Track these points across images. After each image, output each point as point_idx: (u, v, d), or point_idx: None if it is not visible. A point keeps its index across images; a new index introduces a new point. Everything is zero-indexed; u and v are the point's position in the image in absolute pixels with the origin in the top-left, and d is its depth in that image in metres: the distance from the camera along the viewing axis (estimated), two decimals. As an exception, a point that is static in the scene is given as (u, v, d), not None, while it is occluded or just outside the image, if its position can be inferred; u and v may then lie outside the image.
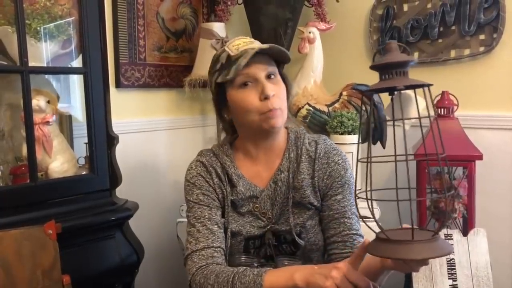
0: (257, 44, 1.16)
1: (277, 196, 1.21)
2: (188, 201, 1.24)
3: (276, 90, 1.15)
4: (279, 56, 1.18)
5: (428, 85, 0.81)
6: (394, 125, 0.85)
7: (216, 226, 1.19)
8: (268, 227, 1.22)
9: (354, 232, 1.20)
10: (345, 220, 1.20)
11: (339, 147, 1.27)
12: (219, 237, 1.18)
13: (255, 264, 1.21)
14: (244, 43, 1.16)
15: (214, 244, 1.16)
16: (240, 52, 1.13)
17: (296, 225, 1.20)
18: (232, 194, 1.22)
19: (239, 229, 1.21)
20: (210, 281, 1.08)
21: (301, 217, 1.21)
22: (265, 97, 1.13)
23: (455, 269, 1.61)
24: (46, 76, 1.73)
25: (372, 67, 0.85)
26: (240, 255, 1.22)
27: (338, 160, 1.23)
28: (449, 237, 1.65)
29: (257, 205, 1.22)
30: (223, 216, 1.23)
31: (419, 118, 0.85)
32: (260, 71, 1.14)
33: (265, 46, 1.14)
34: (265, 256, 1.24)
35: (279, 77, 1.19)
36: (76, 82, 1.82)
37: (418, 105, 0.82)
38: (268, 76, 1.16)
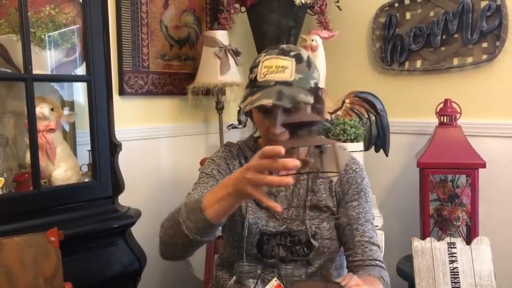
0: (287, 74, 1.13)
1: (294, 197, 1.23)
2: (201, 173, 1.27)
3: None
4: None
5: (334, 143, 0.93)
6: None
7: None
8: (283, 227, 1.22)
9: (366, 240, 1.20)
10: (358, 226, 1.21)
11: (357, 159, 1.30)
12: None
13: (258, 272, 1.20)
14: (276, 69, 1.14)
15: None
16: (264, 81, 1.14)
17: (312, 226, 1.21)
18: None
19: (256, 221, 1.22)
20: (166, 217, 1.13)
21: (316, 219, 1.22)
22: (270, 132, 1.18)
23: (458, 277, 1.60)
24: (50, 83, 1.74)
25: (284, 125, 0.97)
26: (243, 263, 1.22)
27: (356, 168, 1.26)
28: (452, 246, 1.64)
29: None
30: (239, 207, 1.23)
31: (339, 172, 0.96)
32: (276, 107, 1.12)
33: (283, 101, 1.09)
34: (271, 258, 1.23)
35: (302, 105, 1.14)
36: (80, 89, 1.82)
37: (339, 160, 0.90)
38: (285, 108, 1.14)
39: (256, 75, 1.17)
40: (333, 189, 1.24)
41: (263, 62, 1.17)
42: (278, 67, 1.15)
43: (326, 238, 1.22)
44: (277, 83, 1.13)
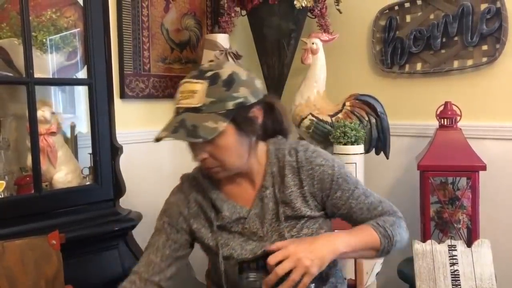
0: (196, 100, 1.05)
1: (266, 213, 1.16)
2: (155, 226, 1.24)
3: (213, 153, 1.08)
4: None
5: None
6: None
7: (159, 258, 1.18)
8: (261, 251, 1.13)
9: (368, 212, 1.19)
10: (355, 210, 1.18)
11: (318, 149, 1.21)
12: (154, 269, 1.17)
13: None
14: (187, 94, 1.06)
15: (142, 275, 1.17)
16: (175, 109, 1.08)
17: (292, 237, 1.16)
18: (217, 220, 1.18)
19: (230, 252, 1.17)
20: None
21: (294, 228, 1.17)
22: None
23: (459, 280, 1.60)
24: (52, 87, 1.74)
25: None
26: (247, 273, 1.14)
27: (321, 161, 1.17)
28: (453, 248, 1.64)
29: (246, 226, 1.17)
30: (202, 245, 1.22)
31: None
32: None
33: (180, 130, 1.04)
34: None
35: (225, 134, 1.06)
36: (81, 93, 1.83)
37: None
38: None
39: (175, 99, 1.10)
40: (306, 194, 1.17)
41: (179, 86, 1.10)
42: (188, 92, 1.06)
43: None
44: (186, 110, 1.05)
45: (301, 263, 0.97)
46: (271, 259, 0.99)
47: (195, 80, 1.07)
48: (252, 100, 1.09)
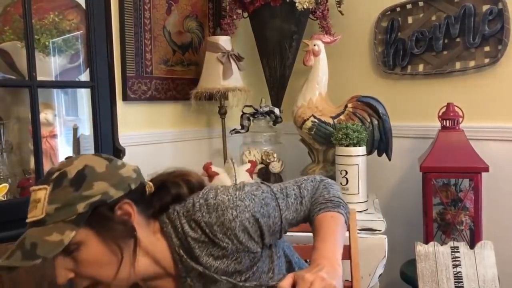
0: (39, 210, 0.88)
1: None
2: None
3: (79, 270, 0.90)
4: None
5: None
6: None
7: None
8: None
9: (306, 201, 1.09)
10: (294, 216, 1.07)
11: (218, 193, 1.01)
12: None
13: None
14: (33, 204, 0.89)
15: None
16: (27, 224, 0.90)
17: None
18: None
19: None
20: None
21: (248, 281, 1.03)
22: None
23: (462, 282, 1.60)
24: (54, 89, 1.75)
25: None
26: None
27: (232, 214, 0.97)
28: (455, 250, 1.64)
29: None
30: None
31: None
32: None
33: (6, 264, 0.86)
34: None
35: (85, 243, 0.89)
36: (84, 95, 1.84)
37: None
38: (67, 252, 0.88)
39: None
40: (233, 251, 0.99)
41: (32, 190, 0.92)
42: (32, 203, 0.90)
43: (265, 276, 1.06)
44: (31, 225, 0.89)
45: (325, 281, 0.82)
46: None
47: (38, 187, 0.90)
48: (116, 194, 0.90)
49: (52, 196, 0.87)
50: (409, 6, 2.22)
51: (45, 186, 0.89)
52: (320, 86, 2.08)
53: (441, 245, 1.67)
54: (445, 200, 1.89)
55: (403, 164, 2.23)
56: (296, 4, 2.11)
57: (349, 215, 1.11)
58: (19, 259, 0.85)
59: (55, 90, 1.78)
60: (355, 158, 1.86)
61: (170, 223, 1.00)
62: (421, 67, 2.21)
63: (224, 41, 2.18)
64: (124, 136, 1.82)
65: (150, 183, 1.03)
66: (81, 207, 0.87)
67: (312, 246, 0.99)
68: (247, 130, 2.26)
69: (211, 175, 1.91)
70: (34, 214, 0.88)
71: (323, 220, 1.03)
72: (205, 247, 0.98)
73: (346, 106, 2.05)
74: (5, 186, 1.51)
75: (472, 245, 1.67)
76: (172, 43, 2.27)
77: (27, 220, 0.90)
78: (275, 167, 2.21)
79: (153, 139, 2.20)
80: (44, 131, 1.55)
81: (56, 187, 0.88)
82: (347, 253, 1.56)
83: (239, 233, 0.97)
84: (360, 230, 1.68)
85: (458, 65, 2.10)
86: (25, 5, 1.44)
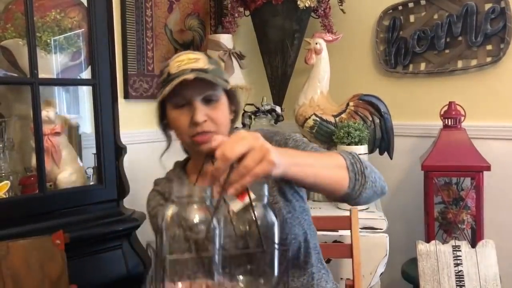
0: (201, 64, 1.09)
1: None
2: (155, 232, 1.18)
3: (211, 115, 1.08)
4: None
5: None
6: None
7: None
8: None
9: None
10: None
11: (279, 130, 1.19)
12: None
13: None
14: (189, 60, 1.09)
15: None
16: (179, 71, 1.07)
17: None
18: None
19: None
20: None
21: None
22: (193, 123, 1.07)
23: (463, 281, 1.60)
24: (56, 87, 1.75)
25: None
26: None
27: (277, 138, 1.13)
28: (457, 249, 1.64)
29: None
30: None
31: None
32: (195, 94, 1.08)
33: (204, 75, 1.06)
34: None
35: (222, 100, 1.11)
36: (85, 93, 1.84)
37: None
38: (206, 100, 1.09)
39: (169, 71, 1.09)
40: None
41: (173, 59, 1.12)
42: (190, 59, 1.10)
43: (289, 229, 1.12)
44: (193, 70, 1.06)
45: (260, 147, 0.78)
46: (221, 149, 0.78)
47: (193, 52, 1.14)
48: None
49: (209, 61, 1.11)
50: (411, 5, 2.22)
51: (200, 53, 1.13)
52: (321, 85, 2.07)
53: (443, 244, 1.66)
54: (447, 199, 1.89)
55: (405, 162, 2.22)
56: (298, 2, 2.11)
57: (356, 187, 0.99)
58: (211, 77, 1.06)
59: (56, 88, 1.78)
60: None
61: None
62: (423, 66, 2.20)
63: (225, 39, 2.18)
64: (126, 134, 1.82)
65: None
66: (225, 76, 1.16)
67: None
68: (249, 129, 2.26)
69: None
70: (197, 65, 1.08)
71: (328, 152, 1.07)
72: None
73: (347, 105, 2.05)
74: (6, 184, 1.50)
75: (473, 244, 1.67)
76: (174, 41, 2.27)
77: (187, 67, 1.07)
78: (276, 165, 2.20)
79: (154, 137, 2.17)
80: (45, 128, 1.55)
81: (208, 57, 1.13)
82: (349, 251, 1.56)
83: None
84: (361, 228, 1.68)
85: (460, 63, 2.09)
86: (27, 2, 1.44)
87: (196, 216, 0.78)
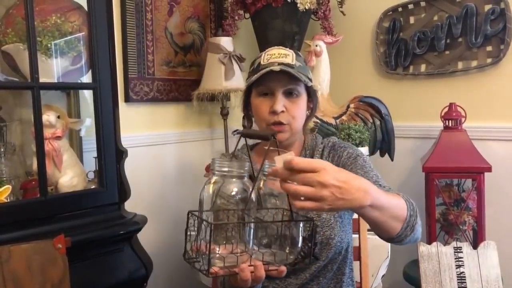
0: (289, 59, 1.21)
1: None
2: None
3: (290, 107, 1.21)
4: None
5: None
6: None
7: None
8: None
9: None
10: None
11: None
12: None
13: None
14: (278, 55, 1.22)
15: None
16: (268, 63, 1.20)
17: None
18: None
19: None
20: None
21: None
22: (272, 111, 1.20)
23: (465, 282, 1.59)
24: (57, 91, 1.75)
25: None
26: None
27: (349, 150, 1.26)
28: (458, 250, 1.64)
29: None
30: None
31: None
32: (279, 86, 1.21)
33: (289, 69, 1.18)
34: None
35: (302, 96, 1.24)
36: (86, 97, 1.84)
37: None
38: (288, 93, 1.22)
39: (260, 62, 1.23)
40: None
41: (265, 52, 1.25)
42: (280, 54, 1.23)
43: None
44: (280, 64, 1.19)
45: (322, 198, 0.82)
46: (299, 161, 0.83)
47: (284, 48, 1.25)
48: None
49: (297, 58, 1.23)
50: (411, 6, 2.22)
51: (290, 50, 1.24)
52: (322, 87, 2.07)
53: (444, 245, 1.66)
54: (448, 200, 1.89)
55: (406, 164, 2.22)
56: (298, 5, 2.11)
57: (406, 233, 1.01)
58: (295, 72, 1.17)
59: (57, 92, 1.78)
60: (358, 159, 1.85)
61: (311, 136, 1.37)
62: (423, 67, 2.20)
63: (225, 42, 2.18)
64: (126, 137, 1.82)
65: None
66: (310, 74, 1.27)
67: None
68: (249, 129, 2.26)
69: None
70: (286, 60, 1.20)
71: (392, 193, 1.05)
72: (320, 155, 1.30)
73: (348, 107, 2.05)
74: (8, 188, 1.50)
75: (475, 245, 1.67)
76: (174, 44, 2.27)
77: (276, 61, 1.20)
78: (277, 167, 2.20)
79: (155, 140, 2.20)
80: (46, 133, 1.55)
81: (297, 55, 1.24)
82: (356, 254, 1.56)
83: (340, 163, 1.26)
84: (363, 230, 1.67)
85: (460, 65, 2.09)
86: (28, 7, 1.44)
87: (233, 188, 0.90)
